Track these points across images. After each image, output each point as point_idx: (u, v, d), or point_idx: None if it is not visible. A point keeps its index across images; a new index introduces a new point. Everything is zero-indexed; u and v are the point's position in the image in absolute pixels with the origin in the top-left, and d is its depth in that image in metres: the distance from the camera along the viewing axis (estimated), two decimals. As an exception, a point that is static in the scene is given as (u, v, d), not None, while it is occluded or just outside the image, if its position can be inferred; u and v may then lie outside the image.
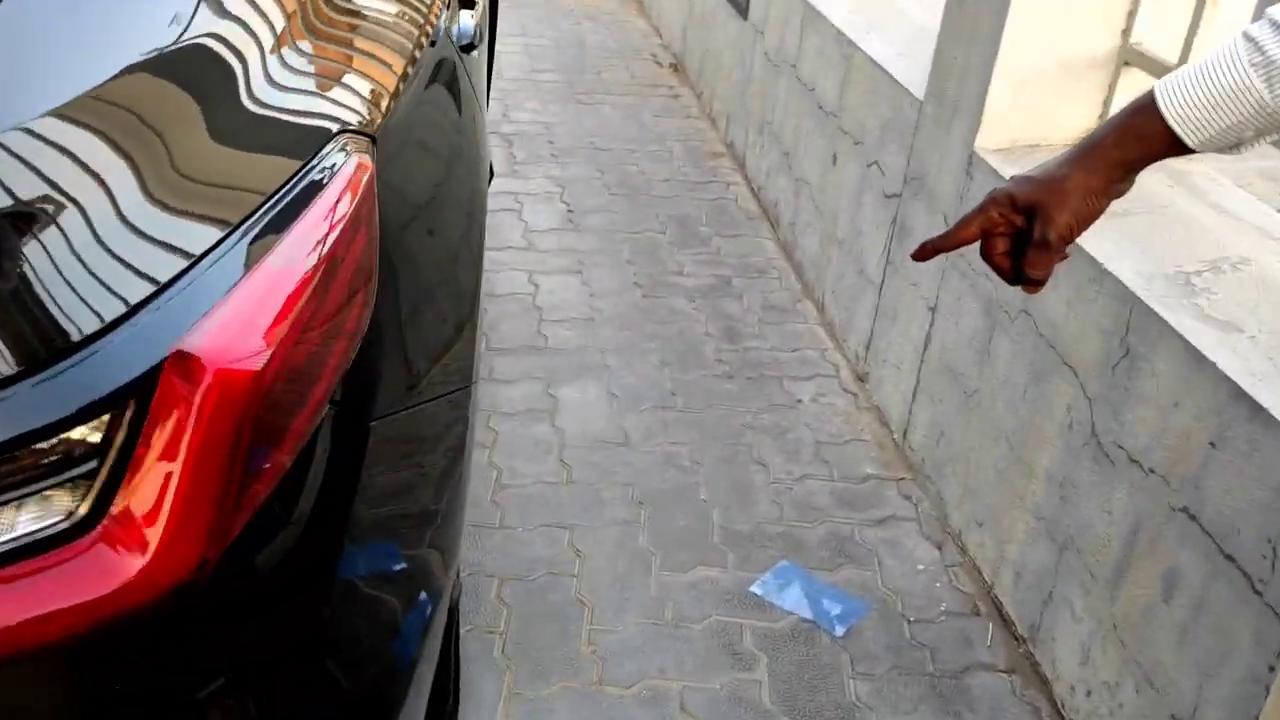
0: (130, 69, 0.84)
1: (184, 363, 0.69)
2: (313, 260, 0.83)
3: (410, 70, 1.28)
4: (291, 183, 0.88)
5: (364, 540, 0.96)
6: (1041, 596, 2.11)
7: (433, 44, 1.43)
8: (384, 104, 1.13)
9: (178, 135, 0.83)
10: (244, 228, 0.80)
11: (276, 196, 0.85)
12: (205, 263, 0.76)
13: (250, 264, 0.77)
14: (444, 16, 1.59)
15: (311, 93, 1.02)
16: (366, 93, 1.11)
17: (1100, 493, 1.91)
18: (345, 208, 0.91)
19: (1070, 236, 1.03)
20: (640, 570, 2.29)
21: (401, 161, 1.16)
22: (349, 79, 1.11)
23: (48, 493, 0.67)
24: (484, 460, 2.56)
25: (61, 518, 0.67)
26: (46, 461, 0.66)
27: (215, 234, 0.79)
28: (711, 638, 2.14)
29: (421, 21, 1.44)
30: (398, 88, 1.19)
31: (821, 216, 3.32)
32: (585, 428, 2.72)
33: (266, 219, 0.83)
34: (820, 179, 3.34)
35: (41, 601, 0.66)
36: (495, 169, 4.07)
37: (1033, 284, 1.06)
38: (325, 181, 0.91)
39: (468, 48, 1.72)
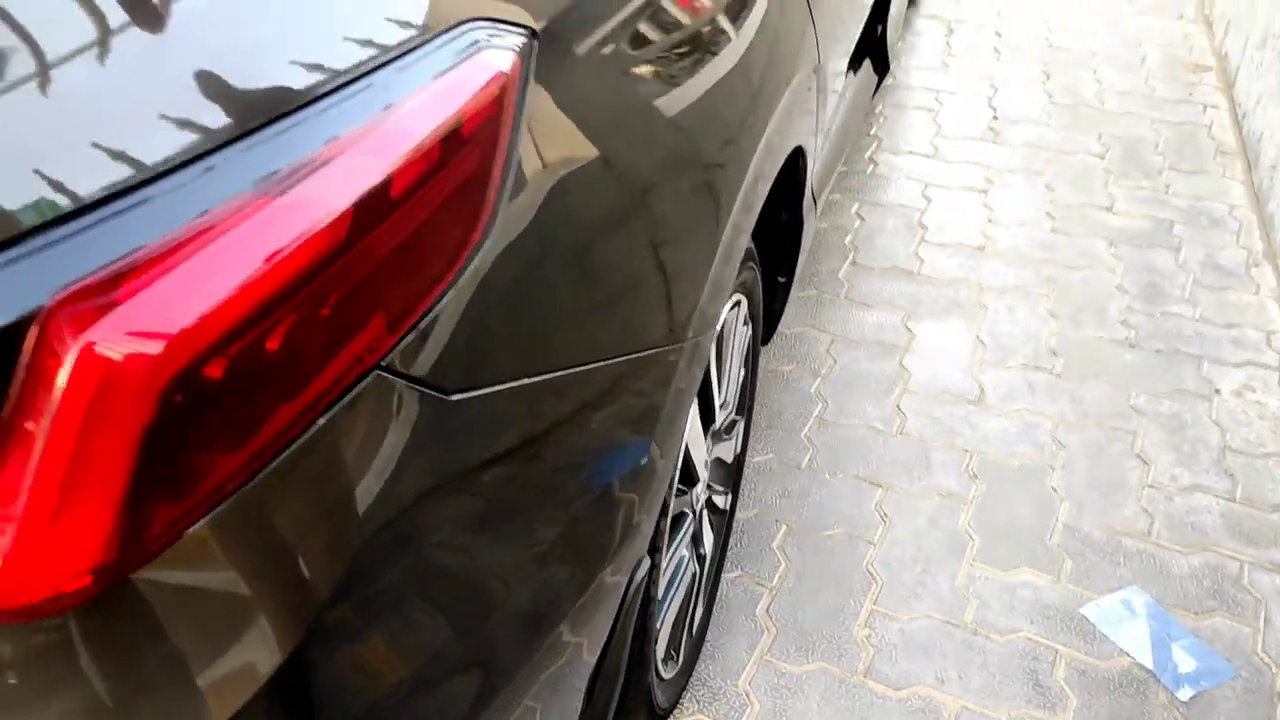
0: None
1: (62, 315, 0.55)
2: (349, 193, 0.65)
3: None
4: (364, 79, 0.70)
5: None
6: None
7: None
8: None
9: None
10: (258, 134, 0.64)
11: (327, 94, 0.68)
12: (190, 172, 0.60)
13: (239, 184, 0.61)
14: None
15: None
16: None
17: None
18: (436, 125, 0.71)
19: None
20: (950, 556, 1.97)
21: (600, 65, 0.94)
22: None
23: None
24: (811, 390, 2.32)
25: None
26: None
27: (212, 136, 0.62)
28: (1015, 658, 1.79)
29: None
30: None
31: (1311, 162, 2.61)
32: (935, 374, 2.37)
33: (302, 123, 0.65)
34: (1320, 114, 2.61)
35: None
36: (922, 60, 3.65)
37: None
38: (419, 85, 0.72)
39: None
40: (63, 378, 0.55)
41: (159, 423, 0.57)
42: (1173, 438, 2.21)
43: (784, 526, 2.02)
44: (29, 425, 0.55)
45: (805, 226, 1.83)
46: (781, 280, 1.89)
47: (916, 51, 3.73)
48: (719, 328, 1.40)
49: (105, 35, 0.64)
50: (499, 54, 0.79)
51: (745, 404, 1.82)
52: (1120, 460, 2.16)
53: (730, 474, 1.82)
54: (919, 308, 2.56)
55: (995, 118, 3.34)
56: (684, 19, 1.13)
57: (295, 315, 0.63)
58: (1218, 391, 2.33)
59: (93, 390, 0.55)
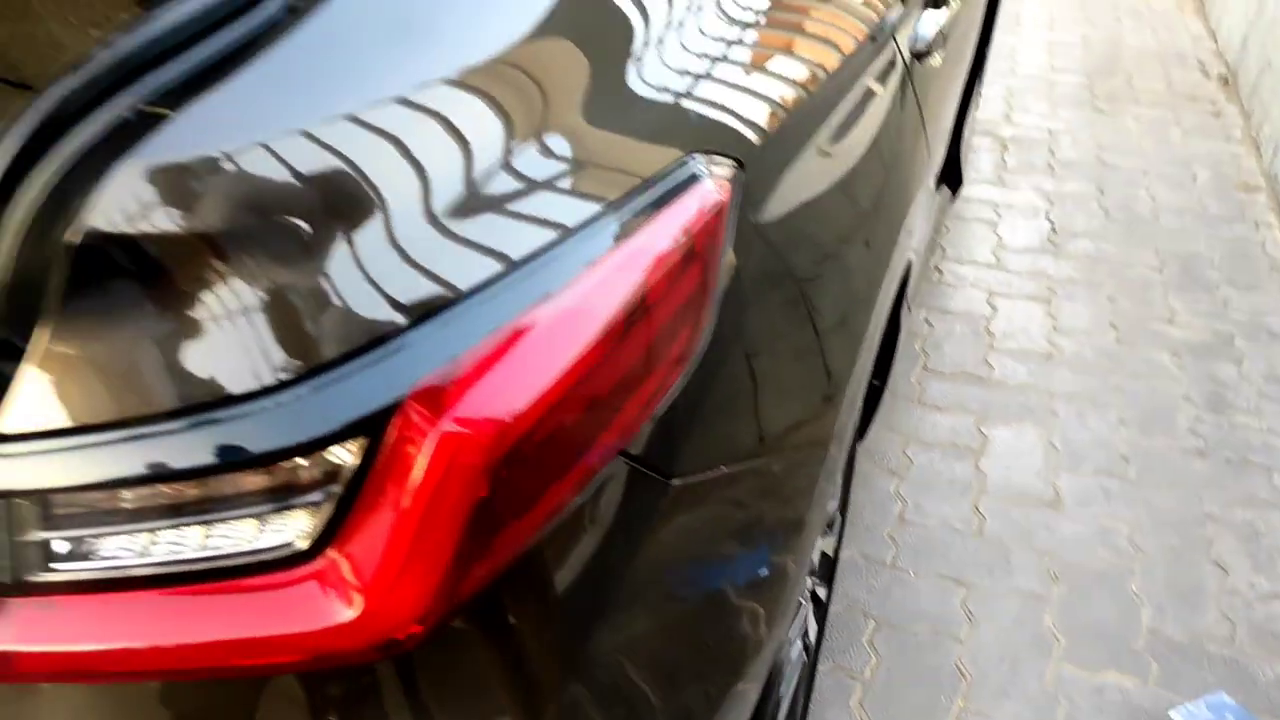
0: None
1: (417, 406, 0.64)
2: (617, 302, 0.75)
3: (820, 81, 1.16)
4: (614, 208, 0.80)
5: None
6: None
7: (873, 43, 1.28)
8: (770, 122, 1.01)
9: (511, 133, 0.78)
10: (536, 258, 0.73)
11: (591, 221, 0.78)
12: (490, 291, 0.70)
13: (533, 298, 0.71)
14: (894, 14, 1.43)
15: (674, 98, 0.93)
16: (749, 106, 1.01)
17: None
18: (673, 242, 0.81)
19: None
20: (1037, 655, 2.01)
21: (780, 195, 1.04)
22: (730, 84, 1.01)
23: (269, 517, 0.65)
24: (890, 490, 2.39)
25: (277, 545, 0.65)
26: (277, 484, 0.64)
27: (502, 259, 0.72)
28: (1105, 759, 1.83)
29: (857, 24, 1.30)
30: (796, 100, 1.07)
31: (1371, 281, 2.69)
32: (1011, 477, 2.44)
33: (572, 247, 0.76)
34: (1378, 235, 2.71)
35: (238, 627, 0.64)
36: (980, 174, 3.80)
37: None
38: (655, 210, 0.82)
39: (921, 54, 1.55)
40: (422, 460, 0.64)
41: (486, 497, 0.66)
42: (1248, 546, 2.26)
43: (872, 621, 2.07)
44: (388, 497, 0.64)
45: (900, 333, 1.93)
46: (875, 383, 1.97)
47: (974, 166, 3.88)
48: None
49: (436, 174, 0.75)
50: (716, 182, 0.90)
51: (844, 500, 1.89)
52: (1198, 566, 2.21)
53: (828, 567, 1.88)
54: (991, 412, 2.64)
55: (1054, 230, 3.46)
56: (840, 156, 1.24)
57: (579, 407, 0.73)
58: (1290, 501, 2.38)
59: (444, 469, 0.64)
